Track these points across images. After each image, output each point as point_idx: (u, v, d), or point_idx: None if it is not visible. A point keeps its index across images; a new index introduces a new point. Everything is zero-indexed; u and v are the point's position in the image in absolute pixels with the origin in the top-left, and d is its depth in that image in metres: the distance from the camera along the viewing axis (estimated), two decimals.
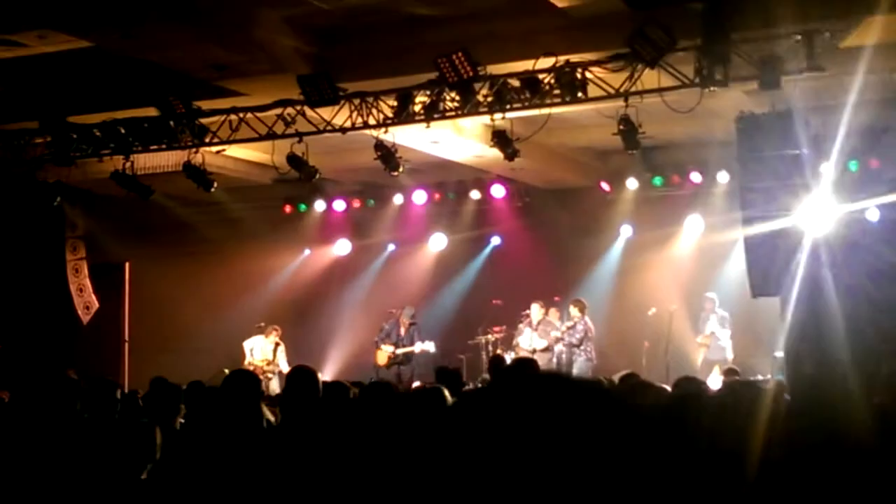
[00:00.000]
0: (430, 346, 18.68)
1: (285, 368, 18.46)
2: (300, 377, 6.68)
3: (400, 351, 18.70)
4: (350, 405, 7.38)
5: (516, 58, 13.14)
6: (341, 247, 21.53)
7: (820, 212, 13.29)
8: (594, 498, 1.82)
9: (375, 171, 16.17)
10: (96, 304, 17.81)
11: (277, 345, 18.91)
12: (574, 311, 17.69)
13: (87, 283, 17.67)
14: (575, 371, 17.04)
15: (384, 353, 18.71)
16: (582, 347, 17.54)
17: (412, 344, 18.77)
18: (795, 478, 4.56)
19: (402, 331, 18.88)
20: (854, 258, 13.42)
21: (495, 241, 20.74)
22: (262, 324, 19.14)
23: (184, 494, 5.64)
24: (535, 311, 17.89)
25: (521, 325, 18.08)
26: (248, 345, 18.90)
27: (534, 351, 17.56)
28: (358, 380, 12.12)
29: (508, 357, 17.91)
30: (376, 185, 20.37)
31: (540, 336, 17.74)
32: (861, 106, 15.06)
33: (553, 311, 18.20)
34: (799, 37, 11.89)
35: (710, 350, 17.63)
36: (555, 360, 17.64)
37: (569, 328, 17.62)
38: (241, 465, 5.58)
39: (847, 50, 12.83)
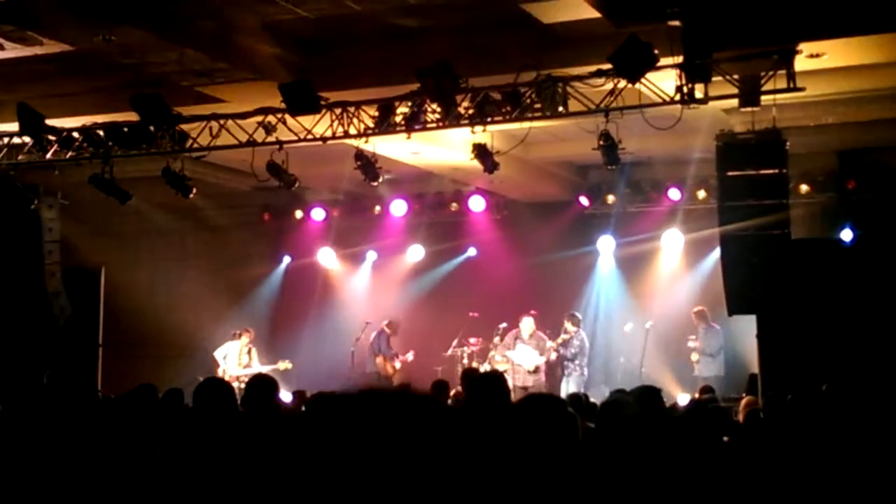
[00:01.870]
0: (409, 356, 19.20)
1: (258, 369, 18.51)
2: (259, 387, 6.65)
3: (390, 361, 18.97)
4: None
5: (498, 71, 13.17)
6: (320, 256, 21.49)
7: (794, 231, 13.38)
8: None
9: (355, 181, 16.16)
10: (70, 309, 17.70)
11: (250, 348, 18.90)
12: (569, 325, 17.71)
13: (62, 287, 17.56)
14: (572, 386, 17.08)
15: (390, 365, 18.98)
16: (577, 362, 17.57)
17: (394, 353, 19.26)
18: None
19: (387, 341, 19.15)
20: (827, 279, 13.49)
21: (470, 251, 20.75)
22: (237, 332, 19.09)
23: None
24: (528, 324, 17.88)
25: (507, 339, 18.03)
26: (220, 353, 18.80)
27: (536, 369, 17.57)
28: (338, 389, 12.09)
29: (483, 369, 17.96)
30: (356, 195, 20.36)
31: (534, 349, 17.70)
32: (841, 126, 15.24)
33: (523, 322, 18.17)
34: (777, 56, 11.97)
35: (700, 366, 17.56)
36: (543, 377, 17.64)
37: (564, 342, 17.63)
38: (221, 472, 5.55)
39: (827, 70, 12.96)
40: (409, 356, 19.24)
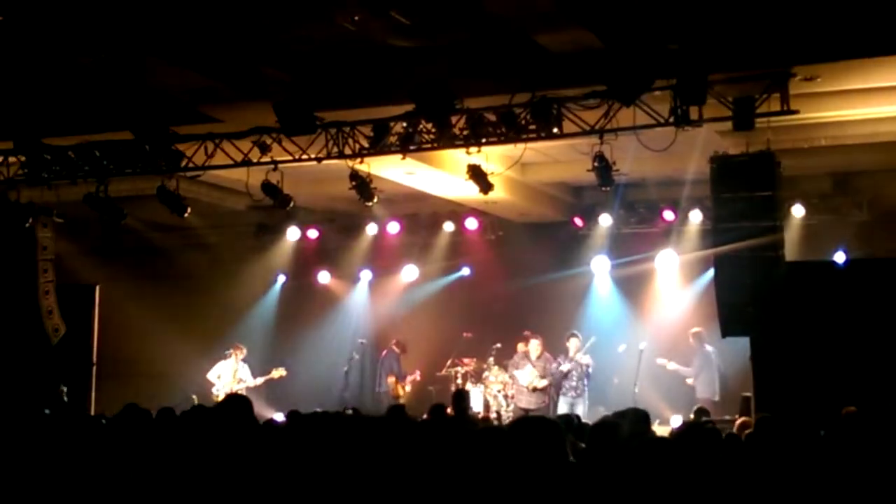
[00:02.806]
0: (416, 375, 19.37)
1: (251, 382, 18.54)
2: (234, 405, 6.63)
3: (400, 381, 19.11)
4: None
5: (493, 92, 13.20)
6: (314, 275, 21.50)
7: (788, 253, 13.40)
8: None
9: (350, 201, 16.18)
10: (64, 328, 17.67)
11: (241, 365, 18.92)
12: (573, 343, 17.77)
13: (56, 305, 17.54)
14: (564, 407, 17.14)
15: (400, 386, 19.03)
16: (572, 383, 17.59)
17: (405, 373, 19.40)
18: None
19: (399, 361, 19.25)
20: (820, 301, 13.50)
21: (464, 271, 20.76)
22: (228, 351, 19.09)
23: None
24: (535, 346, 17.89)
25: (515, 358, 18.07)
26: (213, 374, 18.77)
27: (534, 389, 17.60)
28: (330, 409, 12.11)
29: (477, 390, 17.99)
30: (350, 215, 20.38)
31: (540, 373, 17.70)
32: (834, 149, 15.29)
33: (522, 346, 18.21)
34: (771, 80, 12.02)
35: (698, 387, 17.52)
36: (546, 398, 17.68)
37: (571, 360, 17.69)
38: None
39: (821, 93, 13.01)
40: (417, 376, 19.27)
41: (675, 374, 17.81)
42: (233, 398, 6.83)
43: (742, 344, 14.16)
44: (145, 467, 6.19)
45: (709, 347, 17.56)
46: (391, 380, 19.25)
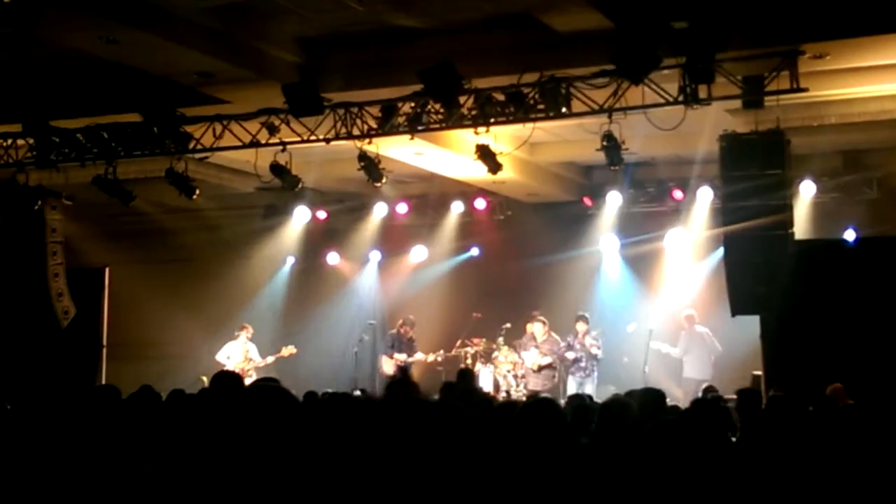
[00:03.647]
0: (432, 356, 19.02)
1: (261, 361, 18.52)
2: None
3: (409, 360, 18.88)
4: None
5: (501, 72, 13.17)
6: (323, 256, 21.51)
7: (798, 232, 13.38)
8: None
9: (358, 182, 16.17)
10: (74, 310, 17.73)
11: (250, 344, 18.94)
12: (580, 325, 17.81)
13: (65, 288, 17.59)
14: (594, 385, 17.18)
15: (391, 363, 18.84)
16: (581, 363, 17.65)
17: (414, 353, 19.02)
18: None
19: (406, 341, 19.06)
20: (830, 279, 13.50)
21: (473, 251, 20.75)
22: (236, 332, 19.11)
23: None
24: (538, 329, 17.96)
25: (524, 340, 18.12)
26: (222, 355, 18.77)
27: (539, 368, 17.65)
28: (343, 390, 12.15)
29: (487, 370, 18.01)
30: (359, 196, 20.37)
31: (542, 353, 17.76)
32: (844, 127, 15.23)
33: (530, 326, 18.23)
34: (781, 57, 11.98)
35: (688, 368, 17.64)
36: (554, 380, 17.72)
37: (574, 342, 17.74)
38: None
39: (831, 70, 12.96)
40: (427, 357, 19.15)
41: (667, 355, 17.89)
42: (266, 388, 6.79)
43: (739, 324, 14.23)
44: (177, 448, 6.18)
45: (700, 329, 17.67)
46: (384, 359, 19.19)
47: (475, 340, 18.79)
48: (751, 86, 12.24)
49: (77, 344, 17.94)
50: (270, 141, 14.56)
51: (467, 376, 13.89)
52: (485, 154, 14.13)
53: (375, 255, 21.47)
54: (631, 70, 12.00)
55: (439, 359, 18.91)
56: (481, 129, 13.67)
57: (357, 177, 15.37)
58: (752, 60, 12.18)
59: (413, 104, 13.65)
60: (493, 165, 14.30)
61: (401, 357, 18.87)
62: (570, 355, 17.70)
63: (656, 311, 18.40)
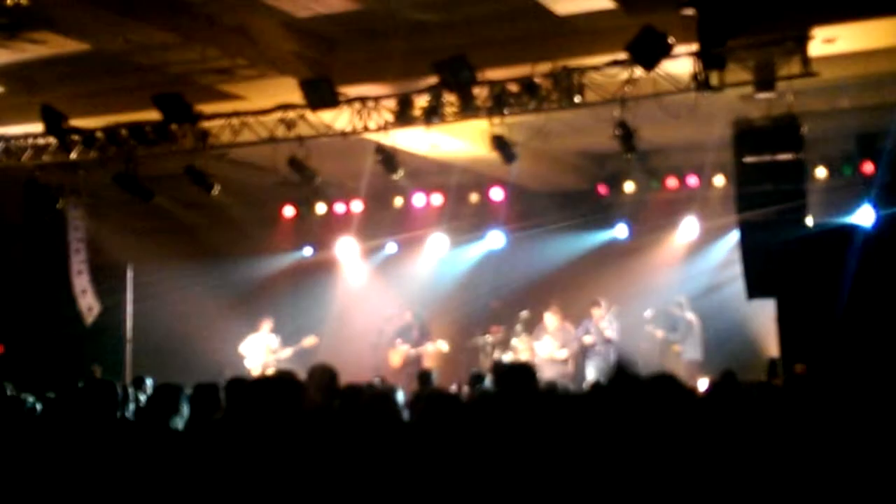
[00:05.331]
0: (443, 346, 18.89)
1: (283, 353, 18.62)
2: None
3: (413, 351, 18.87)
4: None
5: (515, 63, 13.29)
6: (342, 249, 21.65)
7: (815, 215, 13.45)
8: None
9: (376, 174, 16.31)
10: (98, 307, 17.92)
11: (272, 336, 19.07)
12: (595, 311, 17.96)
13: (90, 285, 17.78)
14: (593, 372, 17.43)
15: (398, 354, 18.88)
16: (597, 348, 17.78)
17: (425, 343, 18.94)
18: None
19: (415, 331, 19.10)
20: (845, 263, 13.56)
21: (493, 243, 20.85)
22: (259, 324, 19.24)
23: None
24: (551, 319, 18.04)
25: (536, 331, 18.19)
26: (245, 347, 18.92)
27: (563, 361, 17.80)
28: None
29: (507, 358, 18.10)
30: (377, 188, 20.49)
31: (560, 343, 17.88)
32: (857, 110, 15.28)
33: (547, 314, 18.31)
34: (791, 42, 12.04)
35: (685, 350, 17.91)
36: (569, 368, 17.83)
37: (588, 328, 17.91)
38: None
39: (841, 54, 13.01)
40: (443, 346, 19.08)
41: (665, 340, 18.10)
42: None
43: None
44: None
45: (689, 315, 17.96)
46: (392, 349, 19.15)
47: (494, 329, 18.88)
48: (762, 71, 12.30)
49: (102, 340, 18.13)
50: (288, 136, 14.70)
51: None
52: (500, 144, 14.26)
53: (392, 247, 21.60)
54: (643, 58, 12.08)
55: (444, 349, 18.82)
56: (496, 120, 13.80)
57: (374, 169, 15.51)
58: (763, 46, 12.22)
59: (428, 96, 13.77)
60: (509, 155, 14.42)
61: (403, 349, 18.89)
62: (588, 339, 17.80)
63: (671, 296, 18.50)
